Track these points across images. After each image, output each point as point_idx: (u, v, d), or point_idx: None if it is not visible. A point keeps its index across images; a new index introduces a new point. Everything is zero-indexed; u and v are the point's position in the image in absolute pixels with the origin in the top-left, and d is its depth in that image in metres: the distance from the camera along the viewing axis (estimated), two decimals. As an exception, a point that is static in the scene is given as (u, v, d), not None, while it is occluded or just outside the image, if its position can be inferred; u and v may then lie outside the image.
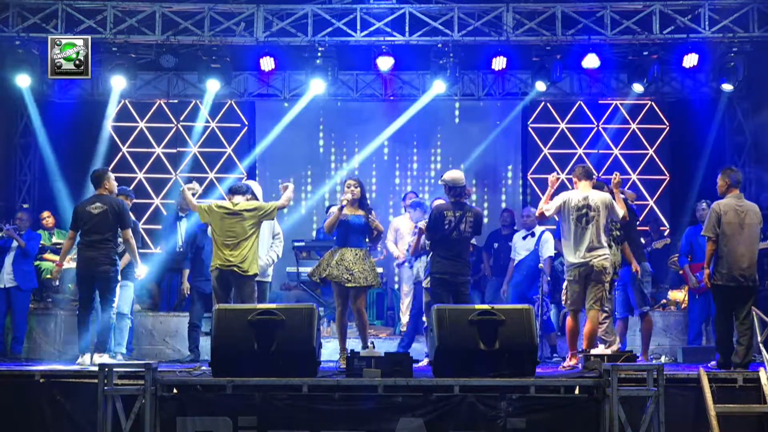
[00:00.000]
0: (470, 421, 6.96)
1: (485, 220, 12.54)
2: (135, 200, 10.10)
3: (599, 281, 8.33)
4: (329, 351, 9.57)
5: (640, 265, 8.94)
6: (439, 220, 8.48)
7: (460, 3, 11.78)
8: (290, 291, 11.97)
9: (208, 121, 14.09)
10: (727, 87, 11.83)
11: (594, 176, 8.72)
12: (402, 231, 10.42)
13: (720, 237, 8.14)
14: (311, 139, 14.25)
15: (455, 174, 8.65)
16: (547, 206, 8.59)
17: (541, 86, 12.19)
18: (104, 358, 8.42)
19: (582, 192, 8.48)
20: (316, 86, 12.40)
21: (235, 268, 8.55)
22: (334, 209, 8.65)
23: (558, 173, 9.17)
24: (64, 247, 9.10)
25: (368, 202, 8.81)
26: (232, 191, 8.91)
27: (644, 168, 14.07)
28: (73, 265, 10.06)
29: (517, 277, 10.58)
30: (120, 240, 8.91)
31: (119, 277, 8.87)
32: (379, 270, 9.79)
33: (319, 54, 11.85)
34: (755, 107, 12.53)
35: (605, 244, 8.37)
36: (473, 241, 9.12)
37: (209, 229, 9.05)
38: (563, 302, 8.65)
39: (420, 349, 9.74)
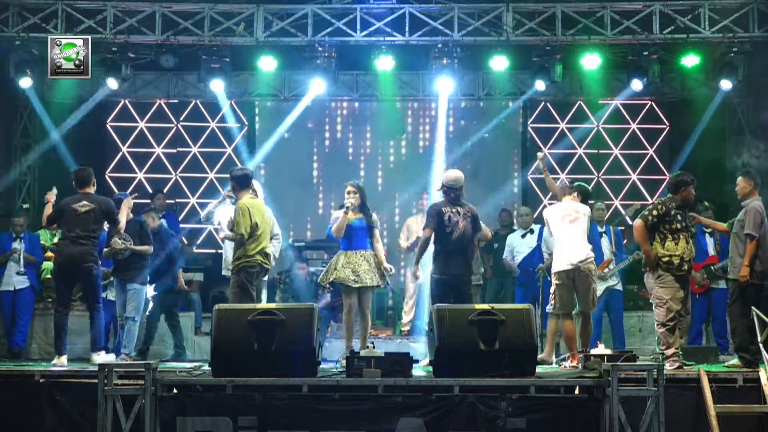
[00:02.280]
0: (470, 421, 6.95)
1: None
2: (135, 200, 10.06)
3: (587, 285, 8.42)
4: (329, 351, 9.57)
5: None
6: (439, 216, 8.46)
7: (460, 3, 11.78)
8: None
9: (208, 121, 14.11)
10: (726, 84, 11.80)
11: (574, 192, 8.87)
12: (413, 230, 10.74)
13: (760, 237, 8.26)
14: (311, 138, 14.25)
15: (453, 174, 8.66)
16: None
17: (540, 85, 12.16)
18: (101, 356, 8.42)
19: (565, 202, 8.72)
20: (317, 86, 12.40)
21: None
22: (339, 213, 8.72)
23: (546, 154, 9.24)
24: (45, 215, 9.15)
25: (368, 205, 8.88)
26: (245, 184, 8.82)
27: (644, 168, 14.08)
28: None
29: (522, 277, 10.62)
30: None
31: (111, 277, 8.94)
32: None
33: (319, 54, 11.84)
34: (755, 107, 12.53)
35: (588, 248, 8.50)
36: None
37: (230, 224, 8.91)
38: (552, 307, 8.64)
39: (420, 349, 9.74)
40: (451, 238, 8.39)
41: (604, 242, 10.18)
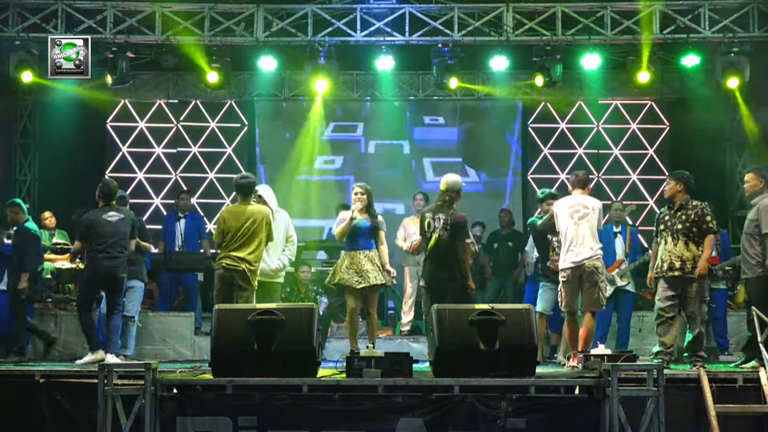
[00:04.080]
0: (470, 421, 6.95)
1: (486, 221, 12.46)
2: (135, 200, 10.08)
3: (593, 282, 8.34)
4: (329, 351, 9.58)
5: None
6: (421, 223, 8.56)
7: (460, 3, 11.78)
8: None
9: (208, 121, 14.11)
10: (733, 82, 11.74)
11: (589, 185, 8.80)
12: (410, 230, 10.70)
13: None
14: (311, 138, 14.27)
15: (448, 178, 8.63)
16: (547, 221, 8.75)
17: (539, 80, 12.08)
18: (110, 358, 8.46)
19: (575, 195, 8.61)
20: (316, 86, 12.39)
21: None
22: (344, 215, 8.69)
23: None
24: (72, 252, 9.20)
25: (374, 206, 8.85)
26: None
27: (644, 168, 14.08)
28: (73, 264, 10.05)
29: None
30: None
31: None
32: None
33: (319, 54, 11.84)
34: (755, 107, 12.52)
35: (597, 245, 8.40)
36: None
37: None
38: (559, 304, 8.64)
39: (420, 349, 9.74)
40: (429, 244, 8.42)
41: (618, 242, 10.12)
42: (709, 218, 8.31)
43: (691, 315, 8.30)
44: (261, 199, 8.87)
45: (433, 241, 8.36)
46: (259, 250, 8.45)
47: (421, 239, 8.73)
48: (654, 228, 8.60)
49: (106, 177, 9.20)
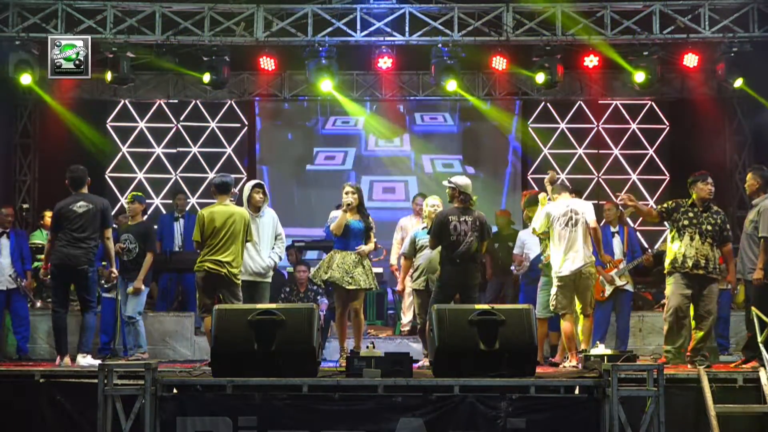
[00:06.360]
0: (470, 421, 6.95)
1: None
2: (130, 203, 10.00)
3: (587, 286, 8.49)
4: (329, 351, 9.58)
5: None
6: (444, 226, 8.35)
7: (460, 3, 11.78)
8: None
9: (208, 121, 14.11)
10: (737, 81, 11.71)
11: (570, 188, 8.90)
12: (408, 231, 10.56)
13: None
14: (311, 138, 14.28)
15: (466, 180, 8.61)
16: (535, 225, 8.75)
17: (540, 78, 12.04)
18: (87, 359, 8.38)
19: (563, 201, 8.66)
20: (316, 86, 12.38)
21: None
22: (337, 213, 8.71)
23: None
24: (46, 251, 8.86)
25: (365, 207, 8.87)
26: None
27: (644, 168, 14.10)
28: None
29: (532, 274, 10.21)
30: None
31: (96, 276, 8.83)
32: (378, 270, 9.88)
33: (319, 54, 11.83)
34: (755, 107, 12.52)
35: (589, 251, 8.52)
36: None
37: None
38: (552, 308, 8.65)
39: (420, 349, 9.73)
40: (457, 249, 8.30)
41: (616, 242, 10.10)
42: (728, 226, 8.54)
43: (706, 314, 8.33)
44: (264, 195, 8.91)
45: (465, 247, 8.27)
46: (240, 252, 8.31)
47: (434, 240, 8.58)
48: (662, 209, 8.56)
49: (74, 167, 8.93)
